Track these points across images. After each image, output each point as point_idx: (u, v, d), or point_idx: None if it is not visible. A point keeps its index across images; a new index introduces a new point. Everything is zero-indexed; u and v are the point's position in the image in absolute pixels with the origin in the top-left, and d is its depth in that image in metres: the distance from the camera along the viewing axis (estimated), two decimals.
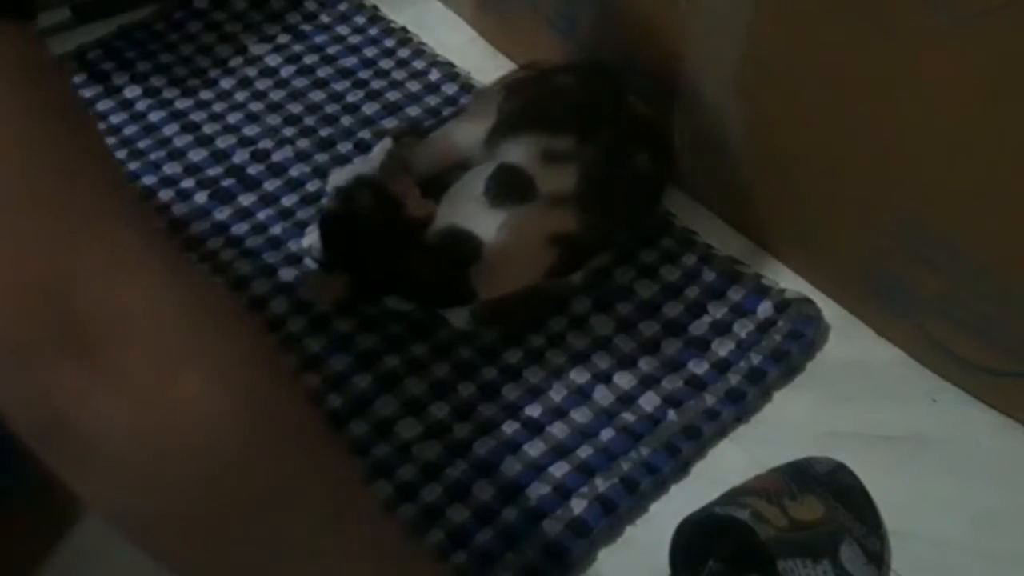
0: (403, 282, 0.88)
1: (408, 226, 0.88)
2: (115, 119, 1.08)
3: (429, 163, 0.96)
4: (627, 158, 0.92)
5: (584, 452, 0.83)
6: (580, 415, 0.85)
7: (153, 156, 1.05)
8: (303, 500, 0.49)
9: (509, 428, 0.85)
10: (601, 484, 0.81)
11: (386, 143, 0.98)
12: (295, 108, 1.09)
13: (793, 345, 0.89)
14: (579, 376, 0.88)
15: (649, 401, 0.86)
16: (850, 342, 0.91)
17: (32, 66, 0.47)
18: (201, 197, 1.01)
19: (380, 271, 0.88)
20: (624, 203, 0.93)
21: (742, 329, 0.91)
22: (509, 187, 0.88)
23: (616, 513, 0.80)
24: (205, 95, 1.11)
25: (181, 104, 1.10)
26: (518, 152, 0.90)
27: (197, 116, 1.08)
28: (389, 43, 1.16)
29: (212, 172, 1.03)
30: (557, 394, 0.87)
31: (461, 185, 0.91)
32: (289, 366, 0.68)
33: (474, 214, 0.88)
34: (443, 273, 0.87)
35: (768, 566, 0.70)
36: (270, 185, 1.02)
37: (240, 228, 0.99)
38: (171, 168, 1.03)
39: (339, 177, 0.96)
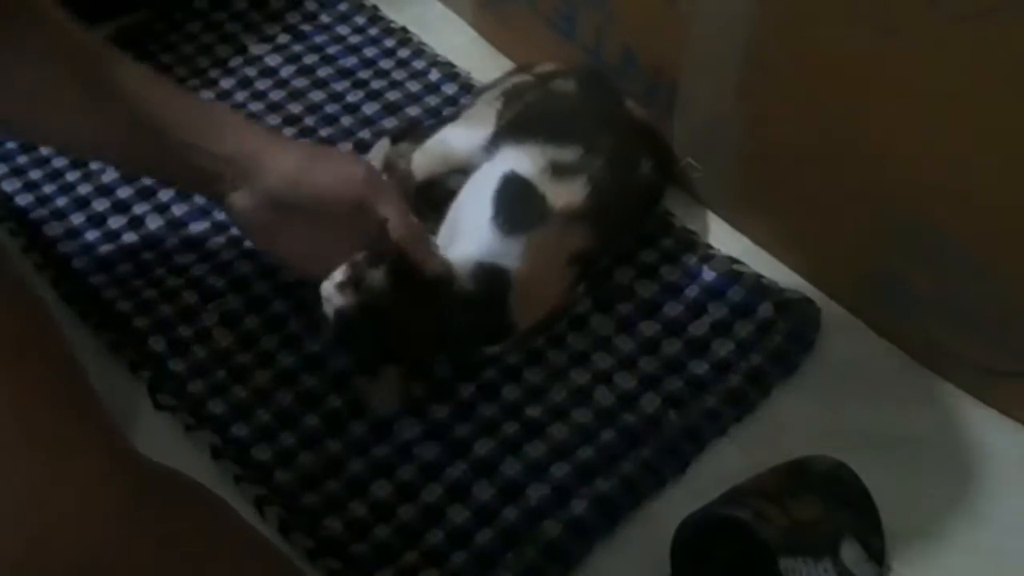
0: (448, 337, 0.84)
1: (432, 288, 0.81)
2: None
3: (426, 169, 0.95)
4: (633, 168, 0.91)
5: (584, 452, 0.83)
6: (580, 415, 0.85)
7: None
8: None
9: (509, 428, 0.85)
10: (601, 484, 0.81)
11: (384, 144, 0.98)
12: (295, 108, 1.09)
13: (793, 345, 0.89)
14: (579, 376, 0.88)
15: (649, 401, 0.86)
16: (850, 342, 0.91)
17: None
18: (201, 197, 1.01)
19: (424, 341, 0.83)
20: (633, 213, 0.93)
21: (742, 329, 0.91)
22: (520, 207, 0.85)
23: (616, 513, 0.80)
24: (205, 95, 1.11)
25: None
26: (523, 163, 0.88)
27: None
28: (389, 43, 1.16)
29: None
30: (557, 394, 0.87)
31: (466, 207, 0.88)
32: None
33: (493, 244, 0.84)
34: (484, 315, 0.83)
35: (769, 565, 0.70)
36: None
37: None
38: None
39: None
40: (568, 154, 0.88)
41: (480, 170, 0.90)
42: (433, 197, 0.94)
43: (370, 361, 0.84)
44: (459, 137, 0.95)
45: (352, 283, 0.79)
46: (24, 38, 0.70)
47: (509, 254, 0.84)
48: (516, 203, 0.86)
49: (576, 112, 0.94)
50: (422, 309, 0.80)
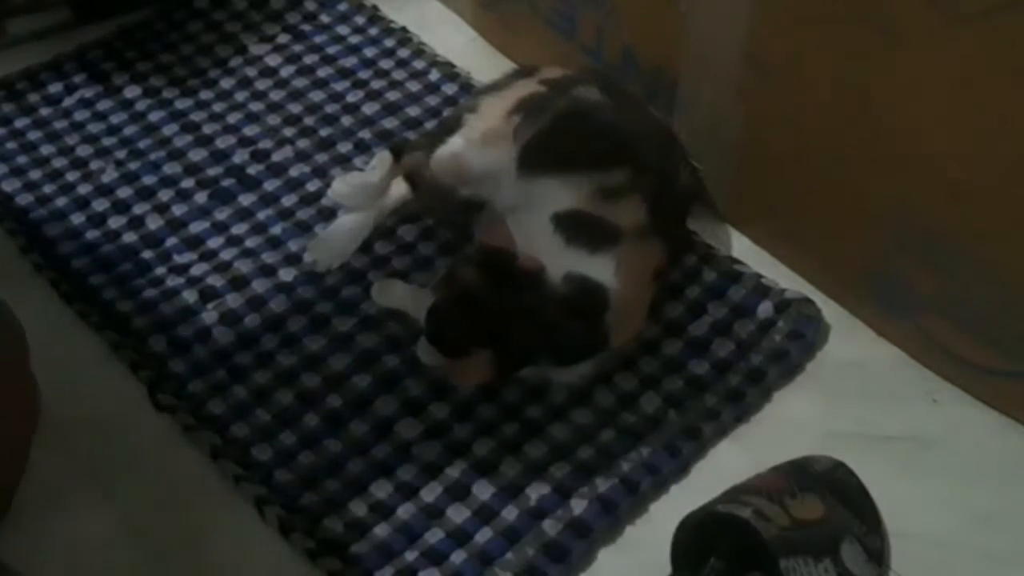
0: (544, 339, 0.82)
1: (524, 281, 0.81)
2: (115, 119, 1.08)
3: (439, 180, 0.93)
4: (676, 177, 0.91)
5: (584, 452, 0.83)
6: (580, 415, 0.85)
7: (153, 156, 1.05)
8: None
9: (509, 428, 0.85)
10: (601, 484, 0.81)
11: (386, 157, 0.96)
12: (295, 108, 1.09)
13: (793, 345, 0.89)
14: None
15: (649, 401, 0.86)
16: (850, 342, 0.91)
17: None
18: (201, 197, 1.01)
19: (520, 335, 0.81)
20: (682, 223, 0.93)
21: (742, 329, 0.91)
22: (589, 231, 0.84)
23: (616, 513, 0.80)
24: (205, 95, 1.11)
25: (181, 104, 1.10)
26: (564, 198, 0.85)
27: (197, 116, 1.08)
28: (389, 43, 1.16)
29: (212, 172, 1.03)
30: (557, 394, 0.87)
31: (527, 234, 0.84)
32: None
33: (580, 261, 0.83)
34: (578, 322, 0.82)
35: (769, 565, 0.70)
36: (270, 185, 1.02)
37: (240, 228, 0.99)
38: (171, 168, 1.04)
39: (341, 186, 0.95)
40: (615, 177, 0.86)
41: (524, 205, 0.87)
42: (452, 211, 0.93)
43: (459, 345, 0.81)
44: (476, 156, 0.91)
45: (445, 282, 0.82)
46: None
47: (603, 272, 0.82)
48: (584, 229, 0.84)
49: (612, 129, 0.90)
50: (514, 301, 0.80)
